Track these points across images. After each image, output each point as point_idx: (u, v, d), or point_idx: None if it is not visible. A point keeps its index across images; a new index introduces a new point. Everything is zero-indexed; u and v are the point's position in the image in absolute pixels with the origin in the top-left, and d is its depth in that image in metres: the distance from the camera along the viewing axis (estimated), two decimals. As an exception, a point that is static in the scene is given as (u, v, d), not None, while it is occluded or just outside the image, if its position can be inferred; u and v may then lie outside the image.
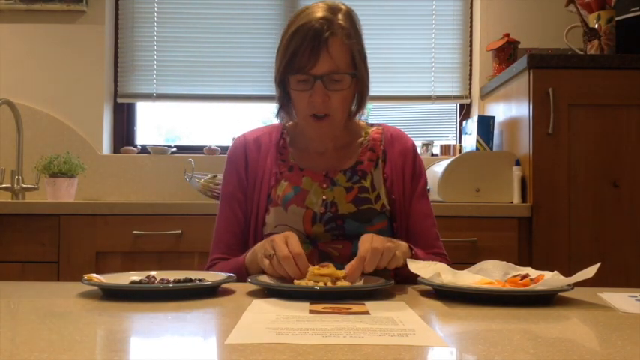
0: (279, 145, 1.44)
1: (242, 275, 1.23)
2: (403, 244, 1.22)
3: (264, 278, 1.10)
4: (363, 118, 1.49)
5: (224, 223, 1.43)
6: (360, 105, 1.41)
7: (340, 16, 1.30)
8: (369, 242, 1.11)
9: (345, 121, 1.39)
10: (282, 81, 1.34)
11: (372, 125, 1.49)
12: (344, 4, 1.35)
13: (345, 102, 1.34)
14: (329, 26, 1.27)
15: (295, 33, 1.28)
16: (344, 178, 1.38)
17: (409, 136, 1.49)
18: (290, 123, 1.47)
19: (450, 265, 1.21)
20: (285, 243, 1.10)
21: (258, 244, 1.23)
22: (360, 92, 1.39)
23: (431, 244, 1.40)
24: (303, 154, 1.43)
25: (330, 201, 1.35)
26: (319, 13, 1.29)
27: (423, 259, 1.24)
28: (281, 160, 1.42)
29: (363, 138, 1.45)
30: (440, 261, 1.29)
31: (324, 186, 1.37)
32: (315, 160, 1.42)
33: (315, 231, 1.33)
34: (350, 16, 1.33)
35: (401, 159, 1.42)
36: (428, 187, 1.49)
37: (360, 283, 1.09)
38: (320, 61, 1.26)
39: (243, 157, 1.43)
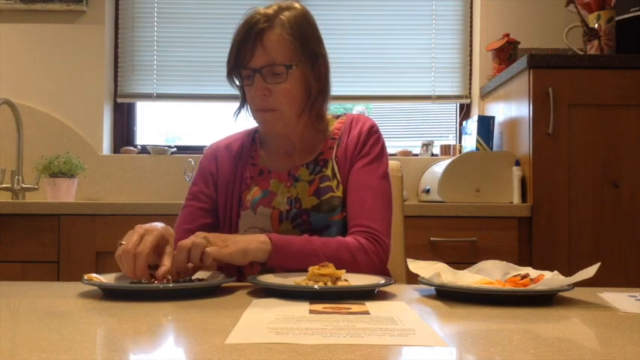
0: (251, 149, 1.45)
1: None
2: (252, 238, 1.18)
3: (264, 278, 1.10)
4: (331, 112, 1.47)
5: (180, 217, 1.44)
6: (315, 103, 1.36)
7: (286, 12, 1.31)
8: (186, 239, 1.11)
9: (297, 116, 1.35)
10: (232, 78, 1.35)
11: (339, 116, 1.47)
12: (299, 4, 1.36)
13: (289, 96, 1.31)
14: (266, 20, 1.29)
15: (237, 29, 1.32)
16: (306, 172, 1.38)
17: (372, 119, 1.44)
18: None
19: (362, 246, 1.23)
20: (140, 237, 1.08)
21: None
22: (315, 87, 1.35)
23: (355, 217, 1.31)
24: (272, 156, 1.43)
25: (294, 197, 1.35)
26: (263, 10, 1.31)
27: (297, 244, 1.19)
28: (251, 164, 1.43)
29: (328, 130, 1.43)
30: (337, 244, 1.23)
31: (288, 184, 1.38)
32: (283, 160, 1.42)
33: (283, 229, 1.33)
34: (299, 13, 1.33)
35: (354, 140, 1.39)
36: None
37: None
38: (255, 54, 1.28)
39: (214, 163, 1.45)
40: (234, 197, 1.40)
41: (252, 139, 1.47)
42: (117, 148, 3.07)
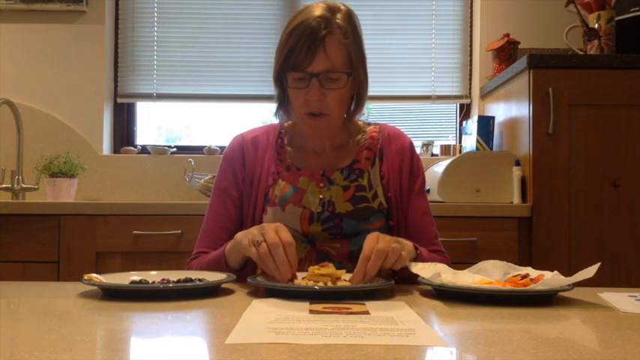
0: (277, 144, 1.44)
1: (221, 268, 1.22)
2: (409, 244, 1.21)
3: (264, 278, 1.10)
4: (361, 118, 1.49)
5: (212, 215, 1.42)
6: (358, 105, 1.41)
7: (339, 15, 1.31)
8: (374, 242, 1.09)
9: (342, 120, 1.39)
10: (279, 79, 1.34)
11: (370, 124, 1.49)
12: (344, 5, 1.35)
13: (342, 101, 1.33)
14: (326, 25, 1.27)
15: (293, 31, 1.28)
16: (341, 177, 1.38)
17: (407, 134, 1.49)
18: (288, 122, 1.47)
19: (449, 264, 1.20)
20: (275, 231, 1.08)
21: (241, 232, 1.19)
22: (357, 92, 1.39)
23: (430, 242, 1.39)
24: (300, 153, 1.43)
25: (328, 200, 1.35)
26: (317, 12, 1.29)
27: (427, 258, 1.24)
28: (278, 159, 1.42)
29: (360, 137, 1.44)
30: (440, 259, 1.29)
31: (321, 185, 1.37)
32: (312, 159, 1.42)
33: (312, 230, 1.33)
34: (349, 16, 1.33)
35: (398, 157, 1.42)
36: (427, 187, 1.49)
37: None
38: (316, 59, 1.27)
39: (241, 155, 1.43)
40: (259, 192, 1.39)
41: (277, 134, 1.46)
42: (117, 148, 3.07)
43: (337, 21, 1.29)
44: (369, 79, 1.40)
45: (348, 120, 1.43)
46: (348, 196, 1.36)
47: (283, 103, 1.40)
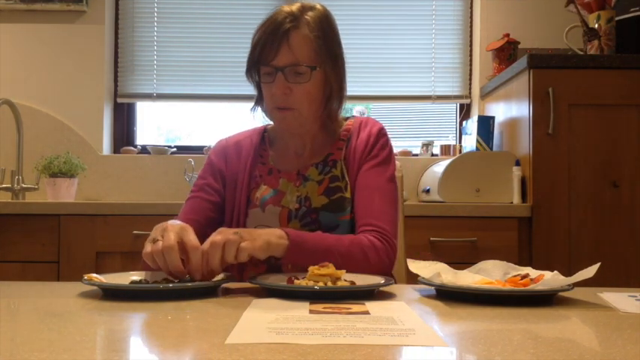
0: (260, 148, 1.46)
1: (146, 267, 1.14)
2: (264, 233, 1.14)
3: (264, 278, 1.10)
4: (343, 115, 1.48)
5: (185, 208, 1.41)
6: (331, 103, 1.38)
7: (310, 13, 1.33)
8: (213, 236, 1.08)
9: (316, 118, 1.38)
10: (251, 74, 1.36)
11: (348, 118, 1.49)
12: (321, 5, 1.37)
13: (309, 96, 1.33)
14: (292, 19, 1.30)
15: (261, 27, 1.32)
16: (316, 172, 1.39)
17: (380, 122, 1.46)
18: (271, 125, 1.48)
19: (378, 246, 1.23)
20: (176, 233, 1.06)
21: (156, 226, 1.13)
22: (330, 91, 1.37)
23: (365, 217, 1.31)
24: (282, 155, 1.44)
25: (304, 196, 1.36)
26: (287, 9, 1.32)
27: (309, 241, 1.18)
28: (261, 162, 1.44)
29: (337, 131, 1.45)
30: (351, 241, 1.24)
31: (297, 184, 1.38)
32: (292, 160, 1.43)
33: (291, 227, 1.33)
34: (322, 14, 1.35)
35: (364, 142, 1.40)
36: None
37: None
38: (280, 52, 1.29)
39: (223, 159, 1.45)
40: (242, 195, 1.40)
41: (261, 137, 1.47)
42: (117, 148, 3.07)
43: (306, 17, 1.31)
44: (348, 79, 1.40)
45: (330, 120, 1.42)
46: (322, 190, 1.36)
47: (259, 98, 1.41)
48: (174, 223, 1.10)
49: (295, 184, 1.38)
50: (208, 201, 1.42)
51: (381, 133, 1.42)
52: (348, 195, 1.36)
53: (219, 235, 1.08)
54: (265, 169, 1.42)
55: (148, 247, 1.08)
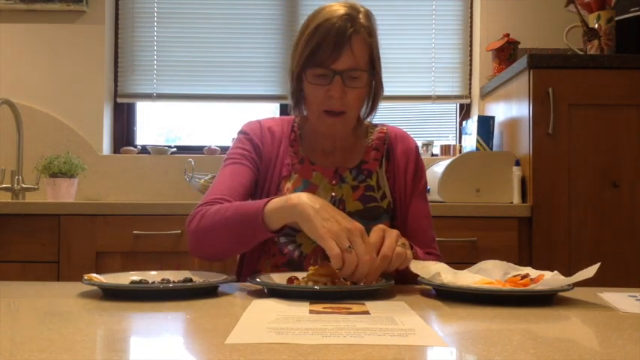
0: (291, 137, 1.44)
1: (250, 225, 1.15)
2: (407, 243, 1.19)
3: (264, 278, 1.10)
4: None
5: (229, 171, 1.37)
6: (373, 107, 1.42)
7: (361, 15, 1.32)
8: (375, 236, 1.08)
9: (356, 120, 1.40)
10: (299, 75, 1.34)
11: (376, 125, 1.49)
12: (362, 5, 1.36)
13: (360, 100, 1.35)
14: (352, 24, 1.28)
15: (318, 28, 1.28)
16: (350, 177, 1.39)
17: (412, 136, 1.50)
18: (299, 118, 1.47)
19: None
20: (365, 244, 1.03)
21: (305, 200, 1.09)
22: (375, 92, 1.40)
23: (427, 245, 1.40)
24: (312, 149, 1.44)
25: (339, 198, 1.37)
26: (342, 10, 1.30)
27: (422, 258, 1.24)
28: (292, 152, 1.42)
29: (367, 138, 1.46)
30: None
31: (334, 182, 1.38)
32: (321, 158, 1.42)
33: None
34: (369, 16, 1.35)
35: (403, 158, 1.43)
36: (428, 188, 1.49)
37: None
38: (342, 56, 1.27)
39: (260, 138, 1.42)
40: (272, 181, 1.39)
41: (291, 127, 1.46)
42: (117, 148, 3.07)
43: (361, 20, 1.30)
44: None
45: (358, 123, 1.44)
46: (357, 196, 1.37)
47: (299, 100, 1.40)
48: (358, 227, 1.05)
49: (331, 182, 1.38)
50: (251, 170, 1.38)
51: (419, 151, 1.47)
52: (384, 205, 1.37)
53: (385, 248, 1.07)
54: (297, 158, 1.41)
55: (337, 250, 1.01)
